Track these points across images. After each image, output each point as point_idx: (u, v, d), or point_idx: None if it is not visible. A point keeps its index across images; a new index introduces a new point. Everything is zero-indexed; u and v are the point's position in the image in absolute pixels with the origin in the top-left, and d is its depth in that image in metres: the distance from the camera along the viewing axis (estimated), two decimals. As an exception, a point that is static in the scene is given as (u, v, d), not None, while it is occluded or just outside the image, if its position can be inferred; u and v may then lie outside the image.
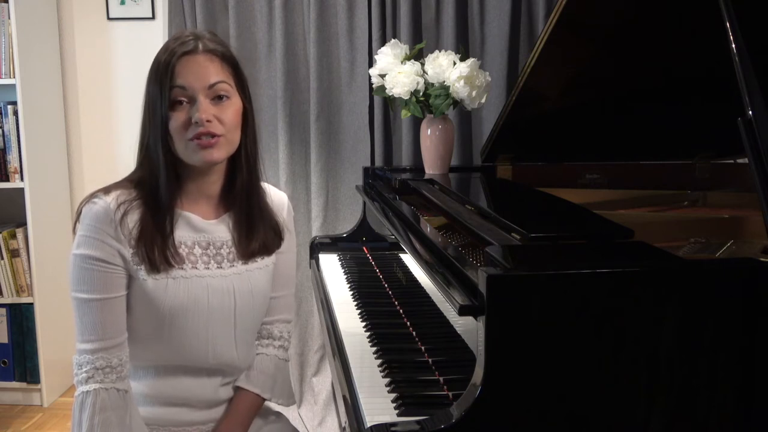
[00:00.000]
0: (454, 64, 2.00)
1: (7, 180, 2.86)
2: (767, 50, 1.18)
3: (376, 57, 2.11)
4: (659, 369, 1.00)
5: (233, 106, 1.36)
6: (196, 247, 1.40)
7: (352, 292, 1.82)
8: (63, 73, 3.08)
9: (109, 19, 3.03)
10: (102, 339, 1.31)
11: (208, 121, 1.31)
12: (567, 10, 1.63)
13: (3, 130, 2.85)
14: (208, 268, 1.40)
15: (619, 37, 1.74)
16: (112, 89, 3.07)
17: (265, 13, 2.76)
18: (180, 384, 1.42)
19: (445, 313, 1.48)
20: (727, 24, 1.19)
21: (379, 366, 1.33)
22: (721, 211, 1.79)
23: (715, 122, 1.58)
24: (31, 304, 2.91)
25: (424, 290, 1.65)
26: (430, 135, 2.09)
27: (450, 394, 1.18)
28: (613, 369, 0.99)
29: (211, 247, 1.41)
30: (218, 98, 1.34)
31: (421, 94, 2.02)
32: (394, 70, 2.03)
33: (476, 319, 1.00)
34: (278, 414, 1.60)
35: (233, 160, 1.42)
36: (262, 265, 1.47)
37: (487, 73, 2.05)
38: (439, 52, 2.03)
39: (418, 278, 1.74)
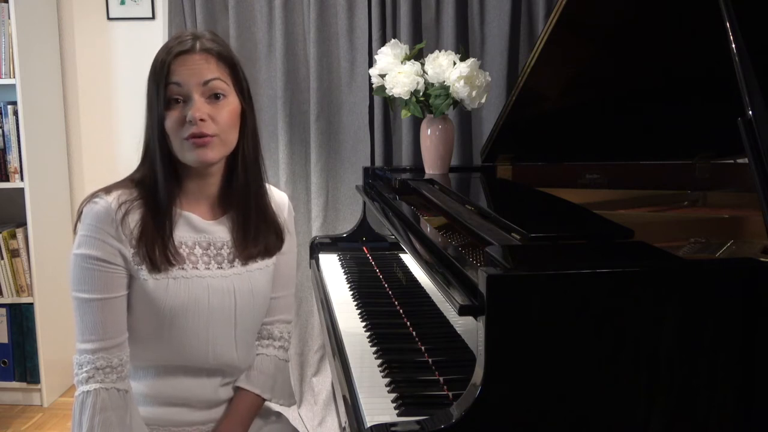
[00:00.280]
0: (454, 64, 2.00)
1: (7, 180, 2.86)
2: (767, 50, 1.18)
3: (376, 57, 2.11)
4: (659, 369, 1.00)
5: (229, 106, 1.35)
6: (197, 247, 1.40)
7: (352, 292, 1.82)
8: (63, 73, 3.08)
9: (109, 19, 3.03)
10: (102, 339, 1.31)
11: (201, 119, 1.30)
12: (567, 10, 1.63)
13: (3, 130, 2.85)
14: (209, 268, 1.40)
15: (619, 37, 1.74)
16: (112, 89, 3.07)
17: (265, 13, 2.76)
18: (180, 384, 1.42)
19: (445, 313, 1.48)
20: (727, 24, 1.19)
21: (379, 366, 1.33)
22: (721, 211, 1.79)
23: (715, 122, 1.58)
24: (31, 304, 2.91)
25: (424, 290, 1.65)
26: (430, 135, 2.09)
27: (450, 394, 1.18)
28: (613, 369, 0.99)
29: (212, 248, 1.41)
30: (214, 97, 1.33)
31: (421, 94, 2.02)
32: (394, 70, 2.03)
33: (476, 319, 1.00)
34: (278, 414, 1.60)
35: (231, 161, 1.41)
36: (263, 265, 1.47)
37: (487, 73, 2.05)
38: (439, 52, 2.03)
39: (418, 278, 1.74)
